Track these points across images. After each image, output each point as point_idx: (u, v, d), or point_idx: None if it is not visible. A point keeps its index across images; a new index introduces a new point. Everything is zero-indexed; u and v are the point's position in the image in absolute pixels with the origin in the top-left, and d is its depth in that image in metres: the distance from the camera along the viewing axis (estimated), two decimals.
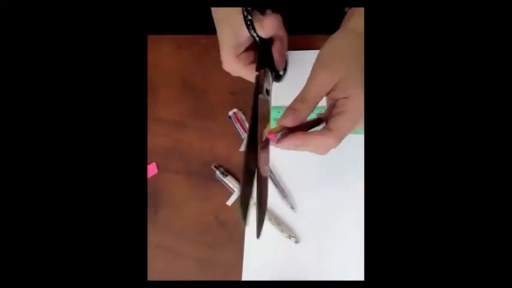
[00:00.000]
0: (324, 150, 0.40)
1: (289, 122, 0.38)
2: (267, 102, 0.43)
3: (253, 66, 0.47)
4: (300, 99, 0.39)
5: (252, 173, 0.38)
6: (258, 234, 0.35)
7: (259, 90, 0.43)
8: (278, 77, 0.48)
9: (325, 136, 0.39)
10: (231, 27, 0.46)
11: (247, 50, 0.48)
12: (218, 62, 0.51)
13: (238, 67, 0.48)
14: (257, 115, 0.40)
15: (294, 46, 0.56)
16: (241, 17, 0.44)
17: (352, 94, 0.38)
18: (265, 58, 0.47)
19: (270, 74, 0.46)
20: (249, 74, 0.47)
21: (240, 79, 0.50)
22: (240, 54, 0.47)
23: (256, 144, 0.38)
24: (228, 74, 0.60)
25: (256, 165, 0.37)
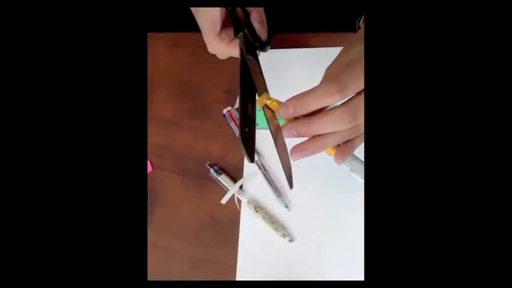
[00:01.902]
0: (342, 124, 0.35)
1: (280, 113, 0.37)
2: (257, 65, 0.44)
3: (236, 41, 0.47)
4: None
5: (247, 116, 0.41)
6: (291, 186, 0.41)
7: (243, 53, 0.44)
8: (263, 46, 0.48)
9: (337, 108, 0.35)
10: (205, 10, 0.46)
11: (226, 28, 0.48)
12: (212, 60, 0.51)
13: (222, 46, 0.48)
14: (246, 64, 0.42)
15: (281, 44, 0.55)
16: None
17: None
18: (241, 26, 0.48)
19: (250, 39, 0.47)
20: (234, 51, 0.47)
21: (234, 77, 0.50)
22: (220, 34, 0.47)
23: (248, 91, 0.40)
24: (222, 72, 0.60)
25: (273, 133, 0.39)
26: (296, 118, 0.37)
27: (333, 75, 0.35)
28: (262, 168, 0.55)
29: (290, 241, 0.52)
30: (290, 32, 0.56)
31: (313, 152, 0.37)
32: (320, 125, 0.35)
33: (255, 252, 0.53)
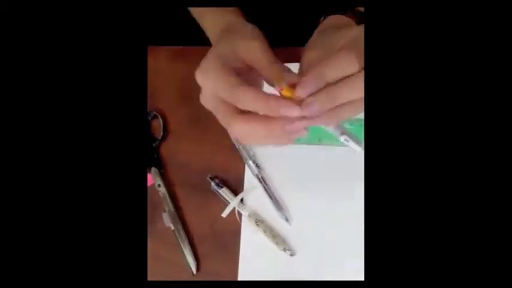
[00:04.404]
0: (354, 64, 0.33)
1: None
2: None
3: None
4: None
5: None
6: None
7: None
8: None
9: (363, 72, 0.33)
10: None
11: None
12: None
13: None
14: None
15: (278, 59, 0.55)
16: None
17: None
18: None
19: None
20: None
21: None
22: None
23: None
24: None
25: None
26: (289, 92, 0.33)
27: (349, 47, 0.34)
28: (263, 182, 0.54)
29: (291, 255, 0.52)
30: (287, 46, 0.56)
31: (327, 122, 0.35)
32: (347, 93, 0.33)
33: (256, 266, 0.53)
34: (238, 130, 0.34)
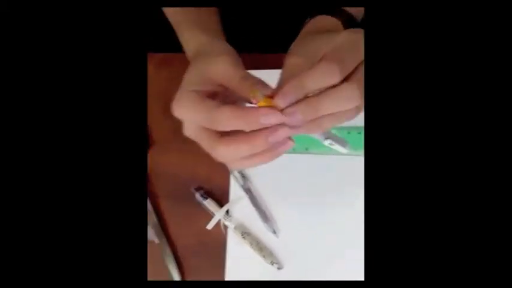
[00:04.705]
0: (353, 101, 0.32)
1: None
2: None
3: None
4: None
5: None
6: None
7: None
8: None
9: (347, 83, 0.32)
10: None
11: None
12: None
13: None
14: None
15: (263, 65, 0.54)
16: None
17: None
18: None
19: None
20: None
21: None
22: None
23: None
24: None
25: None
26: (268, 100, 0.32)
27: (331, 57, 0.33)
28: (249, 192, 0.53)
29: (279, 268, 0.50)
30: (272, 52, 0.55)
31: (310, 132, 0.34)
32: (329, 104, 0.32)
33: (243, 280, 0.51)
34: (223, 154, 0.33)
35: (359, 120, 0.35)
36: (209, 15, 0.48)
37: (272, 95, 0.32)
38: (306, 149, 0.53)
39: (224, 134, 0.33)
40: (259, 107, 0.32)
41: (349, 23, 0.42)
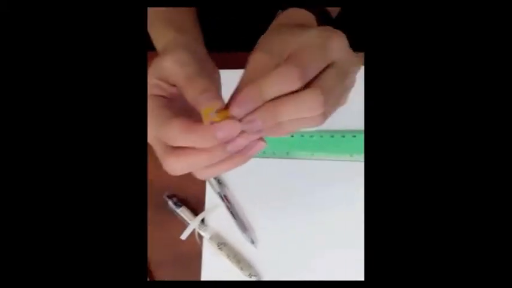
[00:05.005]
0: (315, 108, 0.30)
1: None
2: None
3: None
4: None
5: None
6: None
7: None
8: None
9: (309, 89, 0.30)
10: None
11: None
12: None
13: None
14: None
15: (240, 65, 0.52)
16: None
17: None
18: None
19: None
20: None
21: None
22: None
23: None
24: None
25: None
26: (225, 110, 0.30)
27: (294, 59, 0.31)
28: (226, 200, 0.50)
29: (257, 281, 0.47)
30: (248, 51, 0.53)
31: (271, 134, 0.32)
32: (289, 112, 0.30)
33: None
34: (174, 168, 0.31)
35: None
36: (182, 13, 0.45)
37: (228, 104, 0.30)
38: (287, 153, 0.50)
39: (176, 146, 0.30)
40: (213, 122, 0.29)
41: (322, 17, 0.39)
